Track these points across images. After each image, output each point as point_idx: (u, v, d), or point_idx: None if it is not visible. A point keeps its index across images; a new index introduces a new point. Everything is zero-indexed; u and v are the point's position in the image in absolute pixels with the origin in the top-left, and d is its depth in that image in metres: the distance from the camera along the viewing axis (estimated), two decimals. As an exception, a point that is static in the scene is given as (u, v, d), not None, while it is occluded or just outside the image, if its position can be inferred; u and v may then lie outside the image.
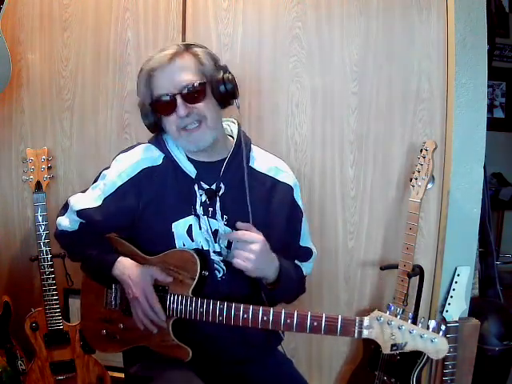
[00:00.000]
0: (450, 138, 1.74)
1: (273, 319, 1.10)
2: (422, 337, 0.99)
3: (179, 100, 1.15)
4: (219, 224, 1.23)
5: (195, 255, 1.18)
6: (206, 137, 1.19)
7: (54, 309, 1.74)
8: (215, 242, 1.23)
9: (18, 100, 1.87)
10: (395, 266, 1.69)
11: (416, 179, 1.65)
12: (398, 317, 1.02)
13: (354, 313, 1.88)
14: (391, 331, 1.02)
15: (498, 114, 3.60)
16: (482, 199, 1.78)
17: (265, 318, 1.11)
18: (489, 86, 1.78)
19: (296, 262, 1.37)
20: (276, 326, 1.12)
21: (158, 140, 1.27)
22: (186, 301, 1.17)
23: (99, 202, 1.24)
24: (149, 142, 1.30)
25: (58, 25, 1.83)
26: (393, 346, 1.02)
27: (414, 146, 1.77)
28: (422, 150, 1.65)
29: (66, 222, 1.28)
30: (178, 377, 1.17)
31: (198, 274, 1.17)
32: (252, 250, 1.13)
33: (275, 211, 1.28)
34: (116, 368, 1.84)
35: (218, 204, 1.23)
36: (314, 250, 1.41)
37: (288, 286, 1.25)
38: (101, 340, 1.30)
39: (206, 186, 1.23)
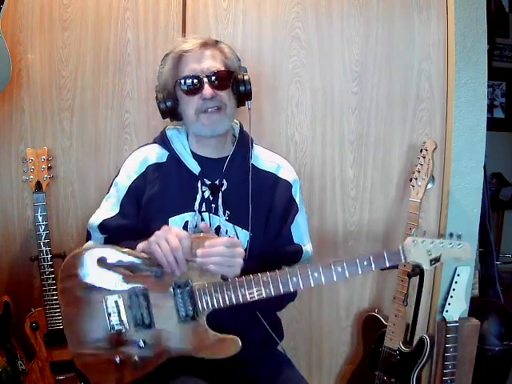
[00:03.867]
0: (450, 138, 1.74)
1: (324, 271, 1.12)
2: (451, 245, 1.13)
3: (206, 82, 1.22)
4: (221, 220, 1.26)
5: (212, 236, 1.12)
6: (223, 123, 1.25)
7: (53, 309, 1.74)
8: None
9: (17, 100, 1.87)
10: (395, 266, 1.68)
11: (416, 179, 1.65)
12: (425, 235, 1.13)
13: (354, 313, 1.88)
14: (427, 248, 1.12)
15: (498, 114, 3.60)
16: (482, 199, 1.78)
17: (315, 274, 1.12)
18: (489, 86, 1.77)
19: (284, 267, 1.29)
20: (336, 276, 1.12)
21: (163, 138, 1.34)
22: (221, 286, 1.10)
23: (117, 209, 1.28)
24: (154, 142, 1.36)
25: (58, 25, 1.83)
26: (431, 261, 1.13)
27: (414, 146, 1.77)
28: (421, 150, 1.66)
29: (92, 244, 1.27)
30: (179, 379, 1.16)
31: None
32: (237, 254, 1.11)
33: (273, 207, 1.30)
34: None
35: (220, 200, 1.27)
36: (308, 248, 1.35)
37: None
38: (113, 370, 1.12)
39: (209, 182, 1.27)
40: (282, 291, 1.11)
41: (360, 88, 1.78)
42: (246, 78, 1.28)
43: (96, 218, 1.29)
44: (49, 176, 1.77)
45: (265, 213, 1.29)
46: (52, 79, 1.85)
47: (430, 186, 1.66)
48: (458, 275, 1.70)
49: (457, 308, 1.70)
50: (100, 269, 1.12)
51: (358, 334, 1.86)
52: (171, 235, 1.09)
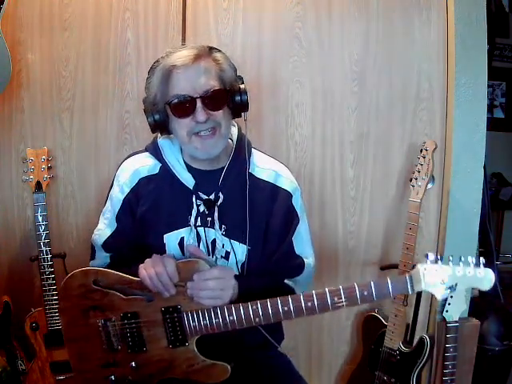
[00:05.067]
0: (450, 138, 1.74)
1: (318, 302, 1.08)
2: (467, 274, 1.02)
3: (199, 104, 1.11)
4: (217, 234, 1.21)
5: (201, 261, 1.11)
6: (218, 144, 1.17)
7: (53, 309, 1.74)
8: (211, 253, 1.22)
9: (17, 100, 1.87)
10: (395, 266, 1.69)
11: (416, 179, 1.65)
12: (439, 262, 1.03)
13: (354, 313, 1.88)
14: (441, 277, 1.02)
15: (498, 114, 3.60)
16: (482, 199, 1.78)
17: (309, 304, 1.08)
18: (489, 86, 1.77)
19: (286, 281, 1.27)
20: (324, 308, 1.09)
21: (155, 148, 1.26)
22: (209, 313, 1.10)
23: (114, 225, 1.26)
24: (146, 150, 1.28)
25: (58, 25, 1.83)
26: (446, 289, 1.03)
27: (414, 146, 1.77)
28: (421, 150, 1.65)
29: (98, 263, 1.27)
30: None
31: None
32: (228, 287, 1.10)
33: (272, 219, 1.25)
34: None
35: (216, 214, 1.21)
36: (309, 260, 1.30)
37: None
38: None
39: (204, 197, 1.21)
40: (272, 321, 1.09)
41: (360, 88, 1.78)
42: (242, 89, 1.18)
43: (99, 237, 1.28)
44: (49, 176, 1.77)
45: (263, 225, 1.23)
46: (52, 79, 1.85)
47: (430, 185, 1.66)
48: (458, 275, 1.70)
49: (457, 308, 1.69)
50: (96, 289, 1.14)
51: (358, 334, 1.86)
52: (156, 260, 1.10)
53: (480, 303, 1.92)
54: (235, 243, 1.22)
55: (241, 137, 1.27)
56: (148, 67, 1.78)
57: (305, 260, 1.29)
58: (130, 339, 1.14)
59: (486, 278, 1.04)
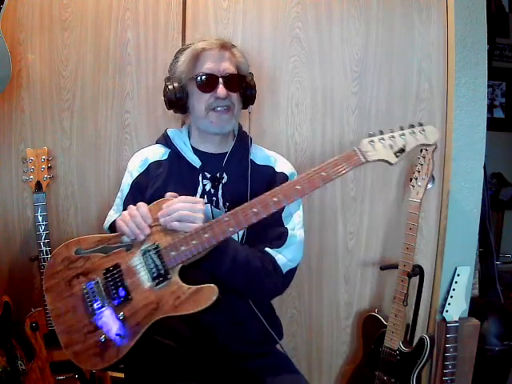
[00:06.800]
0: (450, 138, 1.74)
1: (282, 194, 1.13)
2: (413, 134, 1.16)
3: (221, 82, 1.28)
4: (222, 213, 1.28)
5: (169, 196, 1.19)
6: (230, 122, 1.32)
7: (54, 309, 1.74)
8: None
9: (17, 100, 1.87)
10: (395, 266, 1.69)
11: (416, 179, 1.65)
12: (381, 134, 1.16)
13: (354, 313, 1.88)
14: (387, 144, 1.16)
15: (498, 114, 3.60)
16: (482, 199, 1.78)
17: (275, 199, 1.13)
18: (489, 86, 1.77)
19: (266, 249, 1.27)
20: (289, 197, 1.13)
21: (164, 137, 1.41)
22: (185, 238, 1.14)
23: (121, 209, 1.35)
24: (156, 143, 1.43)
25: (58, 25, 1.83)
26: (396, 153, 1.15)
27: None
28: (421, 150, 1.65)
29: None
30: (177, 374, 1.18)
31: None
32: (197, 209, 1.15)
33: None
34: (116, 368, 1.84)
35: (220, 192, 1.31)
36: (296, 233, 1.31)
37: (246, 272, 1.21)
38: (102, 352, 1.14)
39: (209, 175, 1.33)
40: (244, 225, 1.14)
41: (360, 88, 1.78)
42: (252, 83, 1.39)
43: (107, 222, 1.40)
44: (49, 176, 1.77)
45: None
46: (52, 79, 1.85)
47: (430, 186, 1.66)
48: (458, 275, 1.70)
49: (457, 308, 1.70)
50: (78, 258, 1.19)
51: (358, 334, 1.86)
52: (131, 207, 1.19)
53: (480, 303, 1.92)
54: None
55: (241, 130, 1.43)
56: (148, 67, 1.83)
57: (290, 232, 1.30)
58: (114, 292, 1.16)
59: (429, 132, 1.16)
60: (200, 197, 1.30)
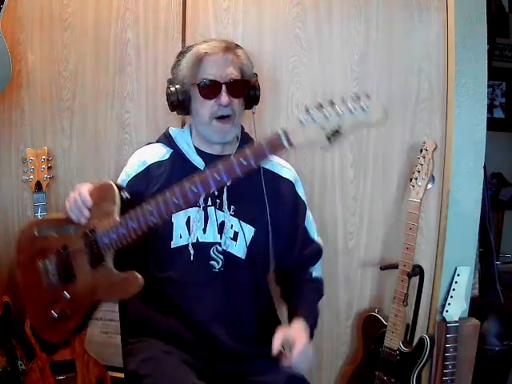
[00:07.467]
0: (450, 138, 1.73)
1: (201, 183, 1.09)
2: (352, 111, 0.93)
3: (224, 89, 1.25)
4: (225, 215, 1.27)
5: (109, 181, 1.23)
6: (232, 131, 1.31)
7: (53, 309, 1.74)
8: (218, 234, 1.26)
9: (17, 100, 1.87)
10: (395, 266, 1.69)
11: (416, 179, 1.65)
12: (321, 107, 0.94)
13: (354, 313, 1.88)
14: (320, 125, 0.95)
15: (498, 114, 3.59)
16: (482, 199, 1.78)
17: (193, 189, 1.09)
18: (489, 86, 1.77)
19: (313, 273, 1.38)
20: (215, 184, 1.09)
21: (166, 136, 1.38)
22: (117, 227, 1.16)
23: None
24: (158, 141, 1.39)
25: (58, 25, 1.83)
26: (329, 138, 0.95)
27: (414, 146, 1.76)
28: (421, 150, 1.65)
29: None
30: (175, 373, 1.17)
31: (117, 196, 1.19)
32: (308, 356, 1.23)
33: (279, 205, 1.32)
34: (116, 368, 1.84)
35: (225, 195, 1.28)
36: (321, 243, 1.42)
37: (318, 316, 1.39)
38: (56, 326, 1.26)
39: None
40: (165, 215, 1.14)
41: (360, 88, 1.78)
42: (257, 84, 1.36)
43: None
44: (49, 176, 1.78)
45: (268, 208, 1.30)
46: (52, 79, 1.86)
47: (430, 186, 1.66)
48: (458, 275, 1.70)
49: (457, 308, 1.70)
50: (40, 238, 1.29)
51: (358, 334, 1.86)
52: (74, 191, 1.23)
53: (480, 303, 1.92)
54: (244, 224, 1.28)
55: (244, 133, 1.42)
56: (148, 67, 1.82)
57: (321, 245, 1.41)
58: (62, 272, 1.24)
59: (375, 112, 0.92)
60: (203, 199, 1.27)
